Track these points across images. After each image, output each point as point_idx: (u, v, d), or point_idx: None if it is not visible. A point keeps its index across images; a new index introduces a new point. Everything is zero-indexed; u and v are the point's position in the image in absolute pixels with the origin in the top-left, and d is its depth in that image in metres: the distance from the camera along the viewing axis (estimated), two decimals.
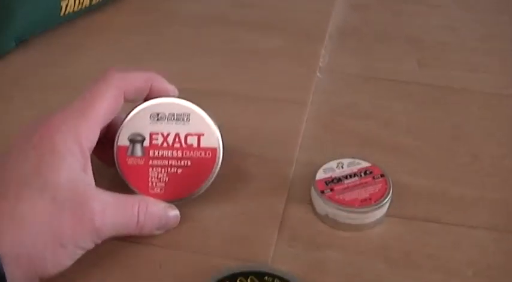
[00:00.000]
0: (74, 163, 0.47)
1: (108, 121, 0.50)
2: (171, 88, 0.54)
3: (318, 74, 0.73)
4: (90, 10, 0.84)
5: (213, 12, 0.85)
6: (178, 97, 0.54)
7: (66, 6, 0.80)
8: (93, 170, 0.49)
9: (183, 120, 0.53)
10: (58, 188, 0.45)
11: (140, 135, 0.53)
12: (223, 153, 0.54)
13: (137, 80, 0.52)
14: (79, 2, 0.81)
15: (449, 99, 0.71)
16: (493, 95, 0.71)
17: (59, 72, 0.74)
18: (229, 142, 0.57)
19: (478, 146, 0.64)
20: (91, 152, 0.49)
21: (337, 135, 0.65)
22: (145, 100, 0.53)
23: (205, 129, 0.53)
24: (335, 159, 0.58)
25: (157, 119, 0.53)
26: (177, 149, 0.53)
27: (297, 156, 0.62)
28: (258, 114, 0.67)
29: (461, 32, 0.84)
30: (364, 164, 0.57)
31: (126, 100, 0.52)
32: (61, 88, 0.71)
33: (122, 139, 0.53)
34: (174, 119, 0.53)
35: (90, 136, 0.48)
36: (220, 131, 0.54)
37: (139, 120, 0.53)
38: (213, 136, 0.53)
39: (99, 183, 0.49)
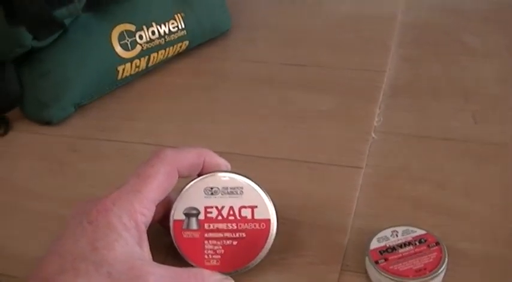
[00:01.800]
0: (129, 239, 0.48)
1: (163, 197, 0.52)
2: (223, 162, 0.56)
3: (373, 135, 0.73)
4: (146, 72, 0.86)
5: (264, 73, 0.86)
6: (231, 171, 0.55)
7: (123, 70, 0.82)
8: (150, 243, 0.51)
9: (237, 193, 0.54)
10: (114, 263, 0.46)
11: (195, 209, 0.54)
12: (277, 224, 0.54)
13: (189, 156, 0.54)
14: (135, 66, 0.84)
15: (506, 156, 0.70)
16: None
17: (115, 138, 0.77)
18: (283, 209, 0.58)
19: None
20: (147, 227, 0.50)
21: (392, 200, 0.64)
22: (199, 175, 0.55)
23: (258, 201, 0.54)
24: (389, 226, 0.58)
25: (211, 193, 0.54)
26: (232, 222, 0.54)
27: (351, 223, 0.62)
28: (312, 179, 0.68)
29: None
30: (419, 232, 0.57)
31: (181, 176, 0.53)
32: (114, 158, 0.73)
33: (178, 213, 0.54)
34: (227, 192, 0.54)
35: (145, 212, 0.50)
36: (273, 202, 0.54)
37: (193, 194, 0.54)
38: (266, 208, 0.54)
39: (156, 255, 0.50)
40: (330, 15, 1.01)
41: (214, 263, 0.54)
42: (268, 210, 0.54)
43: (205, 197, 0.54)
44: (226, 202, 0.54)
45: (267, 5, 1.05)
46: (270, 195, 0.55)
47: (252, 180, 0.55)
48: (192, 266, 0.54)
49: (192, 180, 0.55)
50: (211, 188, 0.54)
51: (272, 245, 0.56)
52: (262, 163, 0.70)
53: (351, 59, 0.88)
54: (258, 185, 0.55)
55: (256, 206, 0.54)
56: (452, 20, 0.99)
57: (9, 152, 0.77)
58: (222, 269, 0.54)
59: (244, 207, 0.54)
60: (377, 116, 0.76)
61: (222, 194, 0.54)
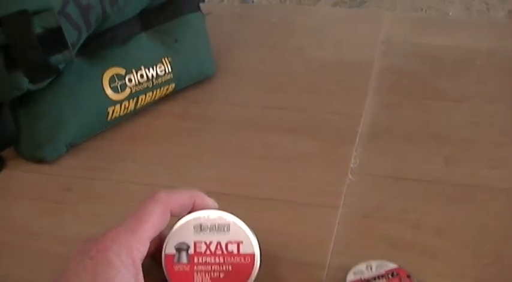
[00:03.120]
0: (126, 274, 0.52)
1: (156, 234, 0.56)
2: (212, 203, 0.60)
3: (350, 176, 0.78)
4: (135, 114, 0.90)
5: (248, 116, 0.91)
6: (219, 209, 0.60)
7: (113, 111, 0.87)
8: (144, 276, 0.54)
9: (224, 230, 0.59)
10: None
11: (185, 244, 0.58)
12: (260, 258, 0.59)
13: (181, 197, 0.58)
14: (125, 107, 0.88)
15: (476, 198, 0.74)
16: None
17: (108, 178, 0.80)
18: (265, 247, 0.61)
19: (503, 245, 0.67)
20: (142, 261, 0.55)
21: (367, 239, 0.69)
22: (189, 213, 0.59)
23: (243, 237, 0.59)
24: (367, 260, 0.62)
25: (201, 230, 0.58)
26: (219, 256, 0.58)
27: (329, 260, 0.66)
28: (293, 219, 0.72)
29: (486, 128, 0.87)
30: (391, 266, 0.61)
31: (172, 215, 0.57)
32: (108, 198, 0.76)
33: (169, 248, 0.58)
34: (215, 229, 0.59)
35: (141, 249, 0.54)
36: (257, 239, 0.59)
37: (184, 231, 0.59)
38: (250, 243, 0.59)
39: None
40: (309, 61, 1.06)
41: None
42: (253, 246, 0.59)
43: (194, 233, 0.58)
44: (214, 238, 0.59)
45: (249, 50, 1.10)
46: (254, 232, 0.59)
47: (238, 218, 0.59)
48: None
49: (183, 218, 0.59)
50: (201, 225, 0.59)
51: (256, 279, 0.60)
52: (246, 203, 0.74)
53: (329, 104, 0.93)
54: (244, 223, 0.59)
55: (241, 242, 0.59)
56: (426, 67, 1.04)
57: (4, 190, 0.80)
58: None
59: (231, 242, 0.59)
60: (353, 158, 0.81)
61: (210, 231, 0.59)
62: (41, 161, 0.83)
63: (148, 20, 0.94)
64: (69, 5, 0.80)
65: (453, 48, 1.09)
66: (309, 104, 0.93)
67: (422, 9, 2.57)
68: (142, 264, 0.55)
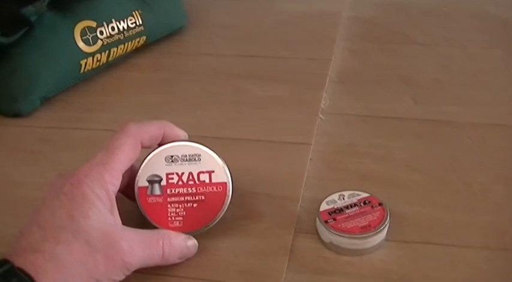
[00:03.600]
0: (102, 207, 0.53)
1: (128, 166, 0.58)
2: (182, 133, 0.61)
3: (321, 116, 0.80)
4: (107, 67, 0.91)
5: (220, 65, 0.93)
6: (189, 140, 0.61)
7: (85, 64, 0.87)
8: (119, 210, 0.56)
9: (195, 160, 0.60)
10: (90, 231, 0.52)
11: (157, 176, 0.60)
12: (232, 186, 0.61)
13: (151, 128, 0.59)
14: (97, 60, 0.89)
15: (443, 133, 0.76)
16: (483, 126, 0.77)
17: (81, 129, 0.82)
18: (241, 184, 0.64)
19: (469, 175, 0.70)
20: (115, 194, 0.56)
21: (339, 173, 0.71)
22: (160, 145, 0.60)
23: (215, 166, 0.60)
24: (340, 191, 0.64)
25: (172, 161, 0.60)
26: (191, 186, 0.60)
27: (303, 193, 0.68)
28: (266, 157, 0.74)
29: (453, 69, 0.89)
30: (363, 195, 0.63)
31: (143, 147, 0.59)
32: (84, 145, 0.78)
33: (142, 181, 0.60)
34: (186, 159, 0.60)
35: (114, 181, 0.55)
36: (228, 168, 0.60)
37: (155, 163, 0.60)
38: (222, 172, 0.60)
39: (125, 220, 0.56)
40: (280, 13, 1.07)
41: (177, 224, 0.60)
42: (225, 174, 0.60)
43: (166, 164, 0.60)
44: (185, 168, 0.60)
45: (221, 3, 1.11)
46: (225, 161, 0.61)
47: (208, 148, 0.60)
48: (157, 228, 0.60)
49: (154, 150, 0.60)
50: (172, 156, 0.60)
51: (231, 215, 0.62)
52: (222, 144, 0.74)
53: (299, 51, 0.95)
54: (214, 152, 0.60)
55: (213, 171, 0.60)
56: (394, 15, 1.06)
57: None
58: (185, 229, 0.60)
59: (203, 172, 0.60)
60: (324, 100, 0.83)
61: (181, 162, 0.60)
62: (16, 114, 0.84)
63: None
64: None
65: None
66: (279, 52, 0.95)
67: None
68: (120, 201, 0.56)
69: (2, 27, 0.79)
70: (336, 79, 0.87)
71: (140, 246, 0.54)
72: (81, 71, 0.87)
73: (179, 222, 0.60)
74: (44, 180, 0.70)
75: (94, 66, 0.89)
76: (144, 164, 0.60)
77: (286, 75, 0.89)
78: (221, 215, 0.60)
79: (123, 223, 0.56)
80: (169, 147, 0.60)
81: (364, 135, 0.76)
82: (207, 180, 0.60)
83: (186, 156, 0.60)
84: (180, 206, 0.60)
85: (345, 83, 0.87)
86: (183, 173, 0.60)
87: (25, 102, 0.84)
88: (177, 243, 0.57)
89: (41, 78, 0.84)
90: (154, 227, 0.59)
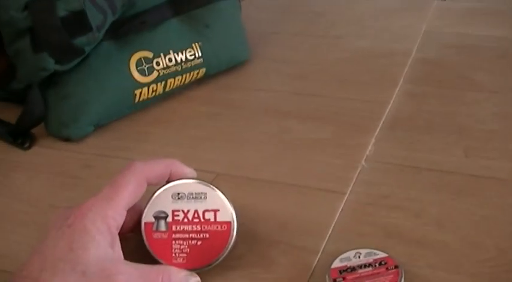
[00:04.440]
0: (102, 241, 0.54)
1: (132, 203, 0.59)
2: (190, 171, 0.62)
3: (363, 163, 0.77)
4: (164, 97, 0.92)
5: (271, 102, 0.92)
6: (196, 178, 0.61)
7: (140, 94, 0.89)
8: (125, 246, 0.57)
9: (201, 198, 0.61)
10: (87, 263, 0.53)
11: (164, 212, 0.61)
12: (237, 226, 0.60)
13: (157, 167, 0.60)
14: (152, 90, 0.90)
15: (487, 190, 0.73)
16: None
17: (123, 158, 0.83)
18: (263, 228, 0.65)
19: (506, 241, 0.65)
20: (119, 229, 0.57)
21: (366, 227, 0.68)
22: (168, 182, 0.61)
23: (220, 205, 0.61)
24: (358, 248, 0.62)
25: (178, 198, 0.61)
26: (196, 224, 0.60)
27: (324, 245, 0.66)
28: (296, 203, 0.72)
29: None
30: (381, 255, 0.61)
31: (150, 184, 0.59)
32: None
33: (148, 216, 0.61)
34: (193, 197, 0.61)
35: (117, 217, 0.56)
36: (233, 207, 0.61)
37: (162, 199, 0.61)
38: (227, 211, 0.61)
39: (132, 255, 0.57)
40: (347, 50, 1.06)
41: (180, 260, 0.60)
42: (229, 214, 0.61)
43: (172, 201, 0.61)
44: (191, 206, 0.61)
45: (287, 38, 1.11)
46: (230, 200, 0.60)
47: (215, 186, 0.60)
48: (161, 263, 0.60)
49: (161, 187, 0.61)
50: (178, 194, 0.61)
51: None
52: (254, 185, 0.75)
53: (357, 92, 0.93)
54: (220, 191, 0.61)
55: (218, 210, 0.61)
56: (464, 57, 1.02)
57: (30, 164, 0.84)
58: (188, 266, 0.60)
59: (208, 210, 0.61)
60: (371, 146, 0.80)
61: (187, 199, 0.61)
62: (66, 139, 0.86)
63: (180, 6, 0.96)
64: None
65: (496, 39, 1.07)
66: (336, 92, 0.94)
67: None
68: (126, 238, 0.57)
69: (56, 56, 0.81)
70: (388, 123, 0.85)
71: (138, 281, 0.54)
72: (136, 100, 0.89)
73: (183, 259, 0.60)
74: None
75: (149, 96, 0.90)
76: (151, 200, 0.61)
77: (337, 117, 0.87)
78: (225, 254, 0.60)
79: (128, 258, 0.57)
80: (177, 184, 0.61)
81: (402, 187, 0.74)
82: (212, 219, 0.60)
83: (192, 194, 0.61)
84: (184, 242, 0.60)
85: (396, 129, 0.84)
86: (188, 211, 0.60)
87: (75, 128, 0.86)
88: (177, 280, 0.57)
89: (93, 106, 0.86)
90: (159, 263, 0.59)
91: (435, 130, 0.84)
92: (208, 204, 0.61)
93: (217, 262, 0.60)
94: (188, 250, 0.60)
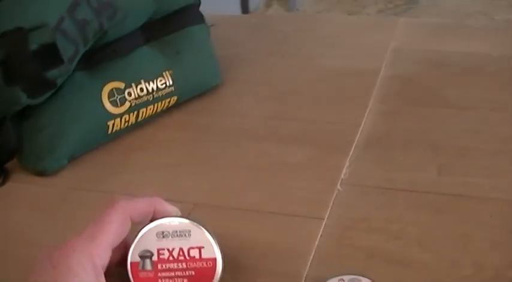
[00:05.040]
0: (86, 278, 0.54)
1: (118, 241, 0.58)
2: (173, 209, 0.62)
3: (339, 187, 0.78)
4: (137, 126, 0.92)
5: (245, 127, 0.92)
6: (180, 216, 0.61)
7: (113, 125, 0.89)
8: (109, 280, 0.56)
9: (185, 235, 0.61)
10: None
11: (149, 251, 0.60)
12: (223, 262, 0.60)
13: (141, 205, 0.61)
14: (125, 121, 0.90)
15: (464, 208, 0.74)
16: (508, 202, 0.74)
17: (102, 189, 0.83)
18: (245, 257, 0.66)
19: (484, 257, 0.67)
20: (104, 268, 0.56)
21: (347, 250, 0.69)
22: (151, 221, 0.61)
23: (205, 242, 0.61)
24: (341, 274, 0.63)
25: (163, 236, 0.61)
26: (182, 261, 0.60)
27: (307, 271, 0.66)
28: (276, 229, 0.73)
29: (486, 136, 0.86)
30: (364, 281, 0.61)
31: (134, 222, 0.59)
32: (100, 206, 0.78)
33: (134, 256, 0.60)
34: (177, 235, 0.61)
35: (102, 255, 0.56)
36: (218, 242, 0.61)
37: (147, 239, 0.61)
38: (212, 248, 0.60)
39: None
40: (318, 70, 1.07)
41: None
42: (214, 250, 0.60)
43: (157, 240, 0.60)
44: (176, 244, 0.61)
45: (259, 60, 1.11)
46: (215, 236, 0.60)
47: (199, 223, 0.61)
48: None
49: (146, 226, 0.61)
50: (163, 232, 0.61)
51: None
52: (234, 214, 0.75)
53: (329, 113, 0.94)
54: (205, 227, 0.61)
55: (203, 247, 0.61)
56: (434, 74, 1.04)
57: (5, 200, 0.83)
58: None
59: (192, 248, 0.60)
60: (345, 168, 0.81)
61: (172, 237, 0.61)
62: (42, 173, 0.86)
63: (151, 32, 0.96)
64: (65, 21, 0.83)
65: (465, 55, 1.09)
66: (309, 114, 0.94)
67: (468, 14, 2.54)
68: (108, 272, 0.57)
69: (28, 90, 0.80)
70: (362, 144, 0.86)
71: None
72: (109, 131, 0.89)
73: None
74: (57, 241, 0.71)
75: (122, 126, 0.90)
76: (136, 239, 0.60)
77: (311, 139, 0.88)
78: None
79: None
80: (160, 223, 0.61)
81: (380, 209, 0.75)
82: (197, 256, 0.60)
83: (176, 231, 0.61)
84: (171, 281, 0.60)
85: (369, 148, 0.85)
86: (173, 249, 0.60)
87: (51, 161, 0.86)
88: None
89: (68, 138, 0.86)
90: None
91: (408, 148, 0.85)
92: (193, 241, 0.60)
93: None
94: None
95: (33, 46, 0.80)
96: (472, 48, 1.11)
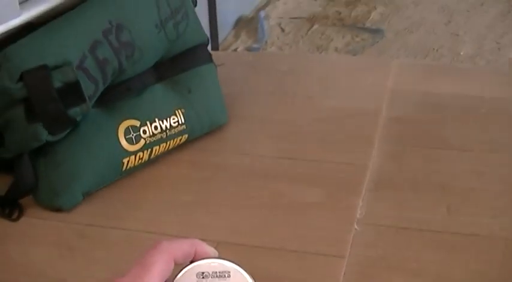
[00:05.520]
0: None
1: None
2: (212, 250, 0.63)
3: (356, 226, 0.80)
4: (149, 163, 0.94)
5: (257, 166, 0.94)
6: (220, 257, 0.62)
7: (128, 162, 0.90)
8: None
9: (225, 276, 0.61)
10: None
11: None
12: None
13: (183, 247, 0.61)
14: (139, 158, 0.91)
15: (475, 246, 0.77)
16: None
17: (121, 226, 0.84)
18: None
19: None
20: None
21: None
22: (192, 262, 0.62)
23: None
24: None
25: (203, 277, 0.61)
26: None
27: None
28: (299, 268, 0.75)
29: (490, 177, 0.90)
30: None
31: (176, 263, 0.60)
32: (122, 243, 0.80)
33: None
34: (217, 276, 0.61)
35: None
36: None
37: (187, 279, 0.61)
38: None
39: None
40: (318, 110, 1.09)
41: None
42: None
43: (197, 280, 0.61)
44: None
45: (260, 99, 1.14)
46: (254, 278, 0.62)
47: (239, 265, 0.62)
48: None
49: (186, 267, 0.62)
50: (203, 273, 0.61)
51: None
52: (254, 252, 0.77)
53: (336, 154, 0.97)
54: (243, 270, 0.62)
55: None
56: (432, 115, 1.07)
57: (22, 237, 0.84)
58: None
59: None
60: (359, 209, 0.84)
61: (212, 278, 0.61)
62: (57, 209, 0.86)
63: (162, 71, 0.98)
64: (87, 60, 0.84)
65: (459, 96, 1.12)
66: (317, 154, 0.97)
67: (434, 49, 2.61)
68: None
69: (49, 127, 0.82)
70: (372, 185, 0.89)
71: None
72: (124, 168, 0.90)
73: None
74: (78, 279, 0.72)
75: (136, 163, 0.91)
76: (176, 279, 0.61)
77: (323, 180, 0.90)
78: None
79: None
80: (201, 264, 0.62)
81: (397, 248, 0.77)
82: None
83: (216, 272, 0.61)
84: None
85: (380, 190, 0.88)
86: None
87: (67, 197, 0.87)
88: None
89: (83, 174, 0.87)
90: None
91: (418, 189, 0.88)
92: (232, 281, 0.62)
93: None
94: None
95: (57, 84, 0.81)
96: (464, 90, 1.15)
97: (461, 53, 2.59)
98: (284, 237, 0.80)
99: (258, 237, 0.80)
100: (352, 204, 0.85)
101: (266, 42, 2.90)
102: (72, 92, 0.83)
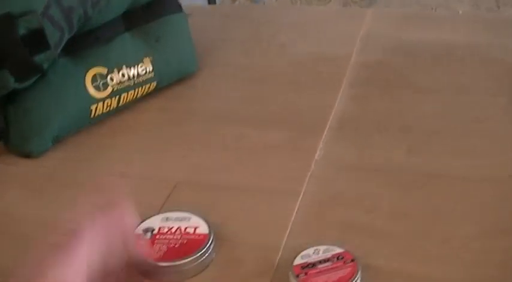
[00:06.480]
0: None
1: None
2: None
3: (313, 166, 0.82)
4: (118, 110, 0.96)
5: (224, 110, 0.97)
6: (188, 211, 0.73)
7: (96, 109, 0.92)
8: None
9: (185, 220, 0.72)
10: None
11: (151, 227, 0.71)
12: (213, 237, 0.69)
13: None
14: (107, 105, 0.93)
15: (432, 186, 0.78)
16: (473, 180, 0.79)
17: (87, 169, 0.86)
18: (226, 231, 0.71)
19: (451, 230, 0.71)
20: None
21: (322, 224, 0.73)
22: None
23: (201, 224, 0.71)
24: (316, 244, 0.67)
25: (166, 220, 0.72)
26: (177, 234, 0.70)
27: (284, 243, 0.71)
28: (256, 205, 0.77)
29: (453, 117, 0.91)
30: (338, 250, 0.66)
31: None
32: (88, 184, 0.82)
33: (138, 230, 0.69)
34: (179, 219, 0.72)
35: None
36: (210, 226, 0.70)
37: (153, 221, 0.72)
38: (206, 228, 0.71)
39: None
40: (291, 56, 1.10)
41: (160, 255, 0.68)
42: (207, 229, 0.70)
43: (161, 221, 0.71)
44: (176, 224, 0.71)
45: (234, 47, 1.15)
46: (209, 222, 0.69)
47: (198, 215, 0.71)
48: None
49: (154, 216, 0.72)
50: (167, 217, 0.71)
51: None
52: (213, 191, 0.80)
53: (304, 97, 0.98)
54: (201, 217, 0.70)
55: (198, 227, 0.70)
56: (403, 60, 1.08)
57: None
58: (166, 258, 0.67)
59: (189, 227, 0.70)
60: (319, 150, 0.85)
61: (174, 220, 0.71)
62: (28, 154, 0.89)
63: (131, 20, 0.99)
64: (52, 7, 0.86)
65: (433, 42, 1.13)
66: (285, 98, 0.98)
67: (432, 8, 2.59)
68: None
69: (16, 74, 0.83)
70: (335, 125, 0.90)
71: None
72: (92, 115, 0.92)
73: (162, 253, 0.68)
74: (46, 219, 0.74)
75: (104, 111, 0.93)
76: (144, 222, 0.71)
77: (287, 122, 0.92)
78: (199, 255, 0.67)
79: None
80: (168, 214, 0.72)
81: (353, 186, 0.79)
82: (192, 232, 0.69)
83: (179, 217, 0.71)
84: (164, 245, 0.68)
85: (343, 130, 0.89)
86: (173, 227, 0.70)
87: (37, 143, 0.89)
88: None
89: (53, 121, 0.89)
90: None
91: (380, 130, 0.89)
92: (191, 223, 0.70)
93: (191, 258, 0.67)
94: (166, 249, 0.68)
95: (22, 31, 0.82)
96: (440, 36, 1.15)
97: (460, 12, 2.57)
98: (241, 177, 0.82)
99: (215, 177, 0.82)
100: (313, 144, 0.86)
101: (264, 2, 2.89)
102: (37, 39, 0.84)
